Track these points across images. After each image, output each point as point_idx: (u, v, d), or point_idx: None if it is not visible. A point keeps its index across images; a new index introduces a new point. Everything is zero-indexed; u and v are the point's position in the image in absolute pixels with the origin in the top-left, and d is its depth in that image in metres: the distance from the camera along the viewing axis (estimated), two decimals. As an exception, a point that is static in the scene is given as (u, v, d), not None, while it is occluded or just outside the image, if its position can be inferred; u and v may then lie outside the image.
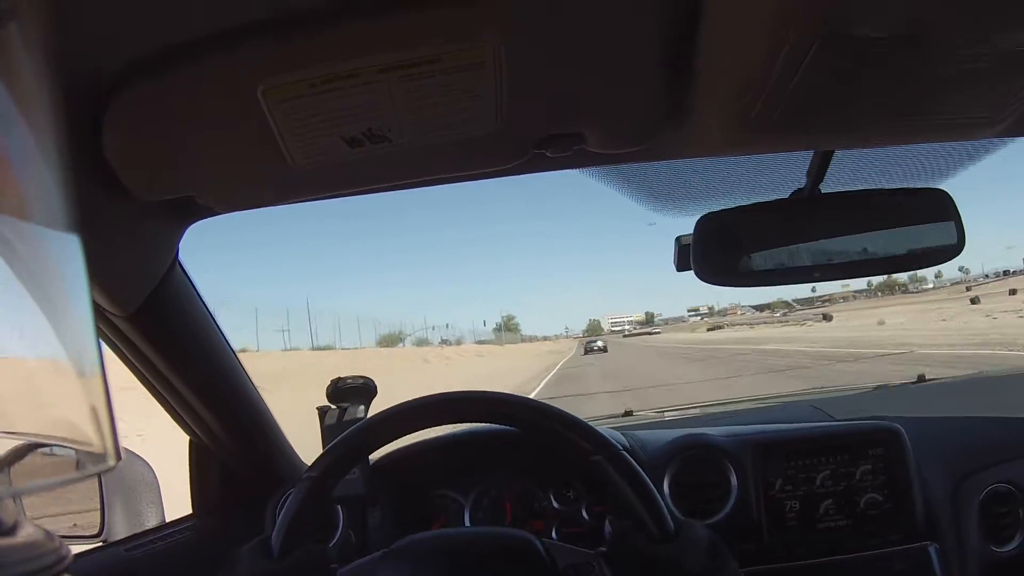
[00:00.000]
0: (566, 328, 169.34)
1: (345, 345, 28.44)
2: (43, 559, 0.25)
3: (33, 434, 0.27)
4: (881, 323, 29.40)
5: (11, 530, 0.25)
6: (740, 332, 50.19)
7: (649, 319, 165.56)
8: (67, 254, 0.27)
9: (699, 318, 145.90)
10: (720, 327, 77.10)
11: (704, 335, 56.35)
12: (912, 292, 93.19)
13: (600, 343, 46.32)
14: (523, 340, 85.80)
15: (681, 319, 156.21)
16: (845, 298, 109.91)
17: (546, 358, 35.50)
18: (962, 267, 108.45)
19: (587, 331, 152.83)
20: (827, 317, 49.58)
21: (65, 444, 0.27)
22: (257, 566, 0.71)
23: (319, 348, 25.72)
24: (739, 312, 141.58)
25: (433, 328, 52.17)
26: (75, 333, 0.27)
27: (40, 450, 0.82)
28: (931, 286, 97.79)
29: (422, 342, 42.57)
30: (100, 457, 0.26)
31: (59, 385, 0.26)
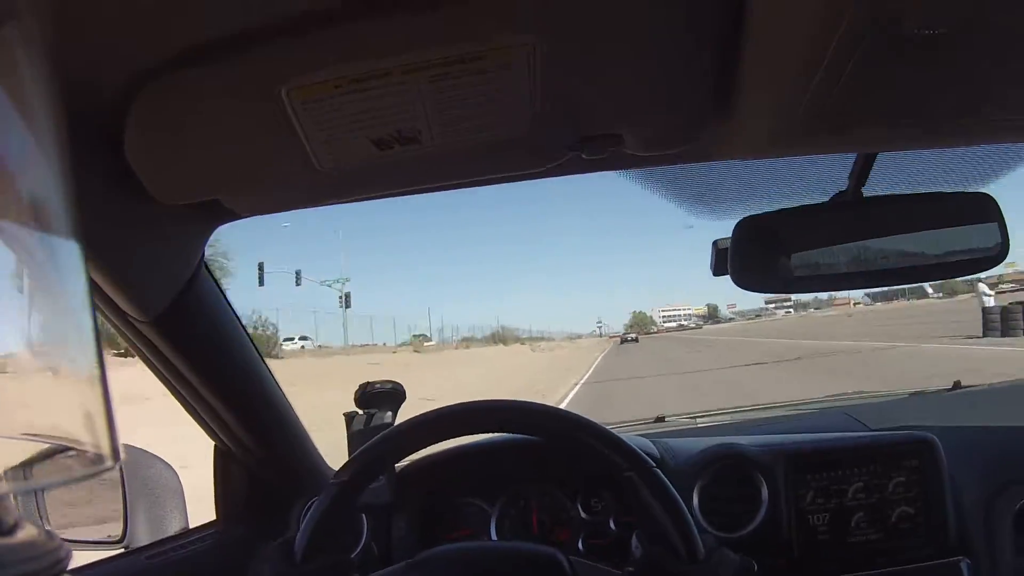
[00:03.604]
0: (599, 324, 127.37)
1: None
2: (43, 559, 0.25)
3: (33, 434, 0.27)
4: None
5: (11, 530, 0.25)
6: None
7: (712, 312, 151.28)
8: (70, 254, 0.27)
9: (785, 312, 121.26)
10: None
11: None
12: None
13: (633, 335, 57.53)
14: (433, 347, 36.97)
15: (757, 312, 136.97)
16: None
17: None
18: None
19: (630, 326, 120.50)
20: None
21: (65, 444, 0.27)
22: (278, 570, 0.74)
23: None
24: (852, 303, 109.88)
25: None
26: (76, 334, 0.28)
27: (40, 450, 0.86)
28: None
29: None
30: (100, 457, 0.26)
31: (59, 385, 0.27)
